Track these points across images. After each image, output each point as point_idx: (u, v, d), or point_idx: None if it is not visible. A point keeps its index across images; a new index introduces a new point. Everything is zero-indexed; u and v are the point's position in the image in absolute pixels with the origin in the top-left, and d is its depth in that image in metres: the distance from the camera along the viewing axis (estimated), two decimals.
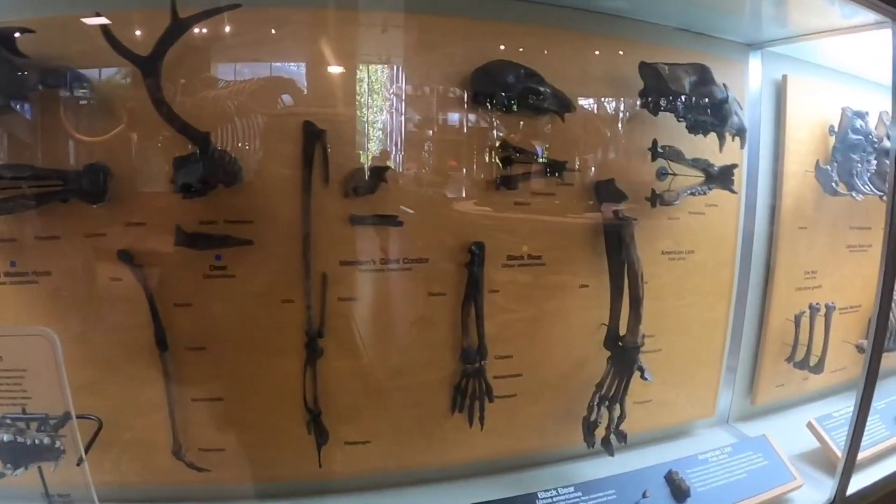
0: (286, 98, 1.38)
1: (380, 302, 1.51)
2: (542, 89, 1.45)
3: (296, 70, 1.40)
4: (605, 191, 1.62)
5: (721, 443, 1.90)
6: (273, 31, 1.36)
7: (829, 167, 1.99)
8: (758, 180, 1.96)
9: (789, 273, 2.05)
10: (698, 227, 1.82)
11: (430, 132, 1.47)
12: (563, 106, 1.48)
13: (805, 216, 2.05)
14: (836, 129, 2.02)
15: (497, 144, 1.49)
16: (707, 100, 1.54)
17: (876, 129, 2.04)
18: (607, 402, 1.61)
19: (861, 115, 2.01)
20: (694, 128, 1.63)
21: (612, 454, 1.62)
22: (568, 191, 1.61)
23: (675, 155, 1.63)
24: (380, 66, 1.45)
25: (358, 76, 1.43)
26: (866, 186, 2.01)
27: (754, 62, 1.93)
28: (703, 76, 1.56)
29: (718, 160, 1.71)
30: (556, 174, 1.52)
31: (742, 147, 1.68)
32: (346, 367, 1.49)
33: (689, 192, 1.65)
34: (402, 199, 1.45)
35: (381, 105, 1.44)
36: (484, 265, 1.50)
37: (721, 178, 1.71)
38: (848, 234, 2.20)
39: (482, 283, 1.50)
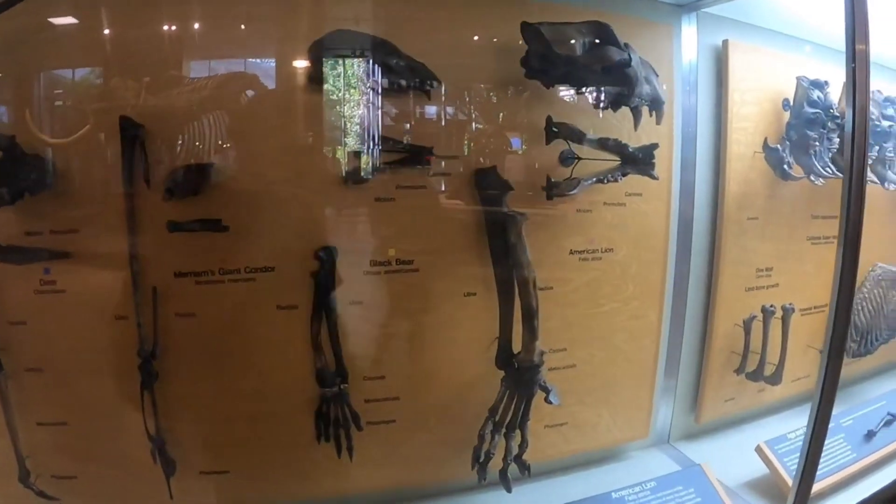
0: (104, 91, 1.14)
1: (221, 317, 1.26)
2: (394, 62, 1.17)
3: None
4: (486, 181, 1.33)
5: (657, 466, 1.64)
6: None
7: (780, 147, 1.67)
8: (696, 164, 1.65)
9: (737, 271, 1.74)
10: (617, 221, 1.52)
11: (267, 120, 1.21)
12: (424, 81, 1.20)
13: (755, 205, 1.74)
14: (790, 103, 1.70)
15: (344, 130, 1.22)
16: (606, 65, 1.24)
17: (838, 102, 1.71)
18: (504, 429, 1.34)
19: (819, 86, 1.68)
20: (598, 101, 1.34)
21: (508, 489, 1.35)
22: (444, 182, 1.33)
23: (573, 134, 1.34)
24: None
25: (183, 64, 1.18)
26: (827, 169, 1.69)
27: (688, 27, 1.62)
28: (602, 36, 1.25)
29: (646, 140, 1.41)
30: (422, 163, 1.24)
31: (658, 123, 1.36)
32: (189, 390, 1.26)
33: (593, 179, 1.36)
34: (236, 200, 1.20)
35: (206, 94, 1.18)
36: (335, 273, 1.24)
37: (639, 161, 1.41)
38: (810, 225, 1.88)
39: (333, 294, 1.24)
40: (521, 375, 1.34)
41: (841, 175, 1.67)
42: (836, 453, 1.63)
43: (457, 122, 1.36)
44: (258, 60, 1.20)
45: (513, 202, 1.35)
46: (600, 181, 1.37)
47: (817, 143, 1.65)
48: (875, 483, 1.61)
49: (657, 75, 1.37)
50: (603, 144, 1.37)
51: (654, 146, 1.40)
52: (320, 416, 1.30)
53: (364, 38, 1.17)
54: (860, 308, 1.97)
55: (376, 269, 1.30)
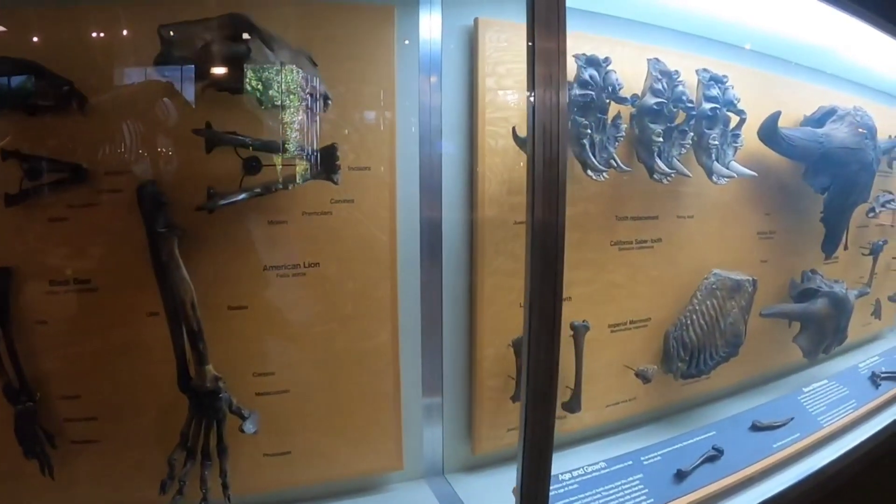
0: None
1: None
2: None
3: None
4: (145, 196, 1.14)
5: (412, 501, 1.42)
6: None
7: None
8: (441, 162, 1.38)
9: (506, 283, 1.45)
10: (321, 233, 1.27)
11: None
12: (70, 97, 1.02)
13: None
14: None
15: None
16: (232, 60, 1.02)
17: (610, 78, 1.38)
18: (199, 456, 1.17)
19: (595, 63, 1.36)
20: (261, 101, 1.12)
21: None
22: (116, 199, 1.15)
23: (231, 140, 1.11)
24: None
25: None
26: (610, 162, 1.37)
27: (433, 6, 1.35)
28: (234, 30, 1.03)
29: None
30: (81, 181, 1.07)
31: (323, 110, 1.12)
32: None
33: (258, 189, 1.13)
34: None
35: None
36: (9, 294, 1.09)
37: (321, 164, 1.18)
38: (615, 228, 1.57)
39: (9, 314, 1.10)
40: (200, 401, 1.17)
41: (626, 169, 1.37)
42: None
43: (121, 134, 1.17)
44: None
45: (185, 216, 1.16)
46: (268, 190, 1.15)
47: (590, 132, 1.33)
48: None
49: (315, 63, 1.14)
50: (270, 148, 1.15)
51: (332, 148, 1.16)
52: (18, 433, 1.17)
53: None
54: (689, 322, 1.64)
55: (56, 288, 1.13)
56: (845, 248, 2.20)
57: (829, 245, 1.97)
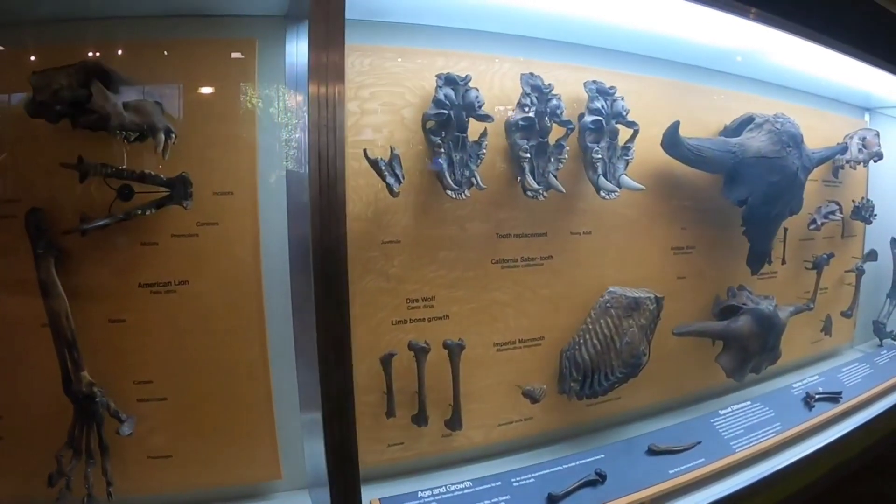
0: None
1: None
2: None
3: None
4: (30, 221, 1.18)
5: None
6: None
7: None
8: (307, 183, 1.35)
9: (378, 301, 1.41)
10: (189, 253, 1.29)
11: None
12: None
13: (399, 224, 1.40)
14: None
15: None
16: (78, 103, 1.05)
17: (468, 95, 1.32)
18: (84, 456, 1.21)
19: (453, 82, 1.30)
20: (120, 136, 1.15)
21: None
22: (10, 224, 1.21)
23: (97, 169, 1.15)
24: None
25: None
26: (471, 180, 1.31)
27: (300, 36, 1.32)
28: (84, 75, 1.09)
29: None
30: None
31: (159, 151, 1.13)
32: None
33: (121, 216, 1.17)
34: None
35: None
36: None
37: (174, 192, 1.20)
38: (496, 245, 1.50)
39: None
40: (80, 404, 1.21)
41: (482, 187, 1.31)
42: None
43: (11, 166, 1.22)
44: None
45: (71, 239, 1.21)
46: (129, 216, 1.18)
47: (445, 152, 1.28)
48: None
49: (159, 102, 1.17)
50: (125, 176, 1.17)
51: (182, 177, 1.20)
52: None
53: None
54: (582, 342, 1.55)
55: None
56: (782, 262, 2.05)
57: (754, 260, 1.83)
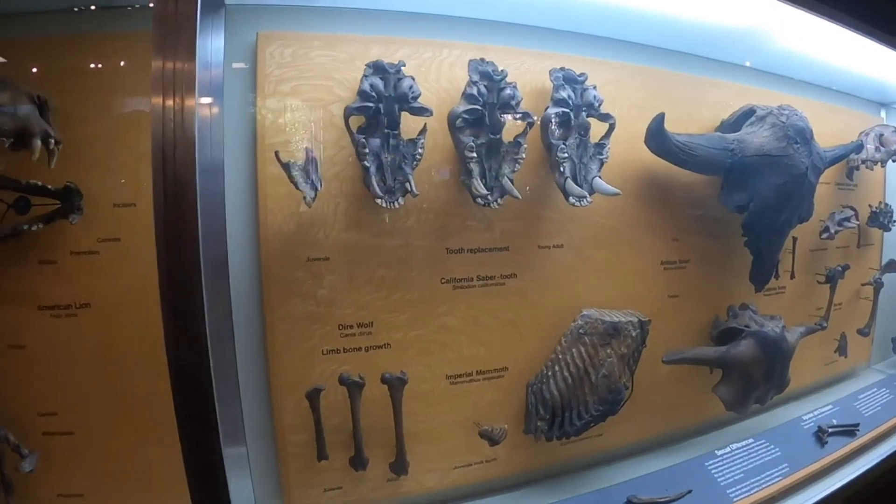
0: None
1: None
2: None
3: None
4: None
5: None
6: None
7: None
8: (224, 195, 1.12)
9: (303, 330, 1.17)
10: (90, 273, 1.12)
11: None
12: None
13: (329, 239, 1.17)
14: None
15: None
16: None
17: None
18: None
19: (382, 70, 1.06)
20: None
21: None
22: None
23: None
24: None
25: None
26: (405, 186, 1.07)
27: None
28: None
29: None
30: None
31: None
32: None
33: (6, 231, 0.98)
34: None
35: None
36: None
37: (62, 205, 1.02)
38: (448, 263, 1.26)
39: None
40: None
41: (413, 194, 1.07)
42: None
43: None
44: None
45: None
46: (16, 232, 1.01)
47: (370, 153, 1.04)
48: None
49: (36, 103, 0.98)
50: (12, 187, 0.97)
51: (69, 188, 1.04)
52: None
53: None
54: (550, 375, 1.30)
55: None
56: (791, 276, 1.77)
57: (758, 275, 1.56)
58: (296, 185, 1.04)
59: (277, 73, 1.15)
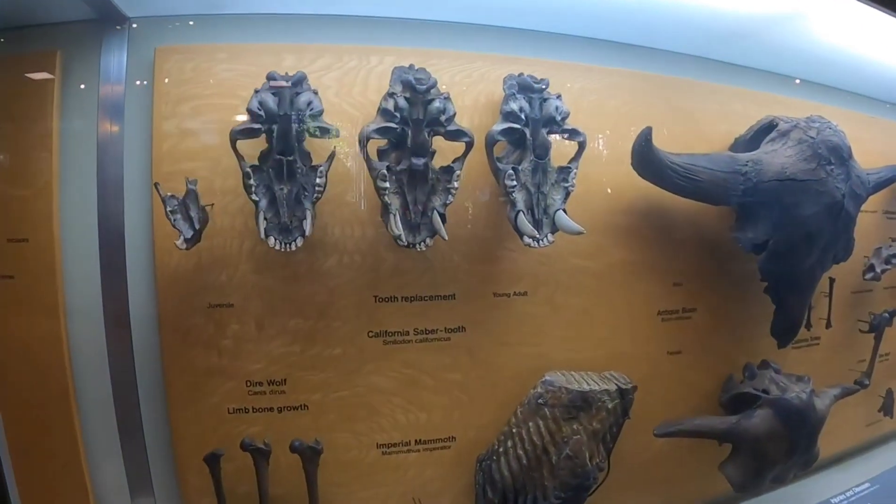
0: None
1: None
2: None
3: None
4: None
5: None
6: None
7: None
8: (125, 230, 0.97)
9: (205, 384, 0.98)
10: None
11: None
12: None
13: (234, 283, 0.96)
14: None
15: None
16: None
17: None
18: None
19: (275, 79, 0.85)
20: None
21: None
22: None
23: None
24: None
25: None
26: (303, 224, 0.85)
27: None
28: None
29: None
30: None
31: None
32: None
33: None
34: None
35: None
36: None
37: None
38: (377, 314, 1.01)
39: None
40: None
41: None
42: None
43: None
44: None
45: None
46: None
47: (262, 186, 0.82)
48: None
49: None
50: None
51: None
52: None
53: None
54: (502, 452, 1.03)
55: None
56: (826, 325, 1.42)
57: (782, 329, 1.23)
58: (171, 221, 0.85)
59: (177, 91, 0.97)
